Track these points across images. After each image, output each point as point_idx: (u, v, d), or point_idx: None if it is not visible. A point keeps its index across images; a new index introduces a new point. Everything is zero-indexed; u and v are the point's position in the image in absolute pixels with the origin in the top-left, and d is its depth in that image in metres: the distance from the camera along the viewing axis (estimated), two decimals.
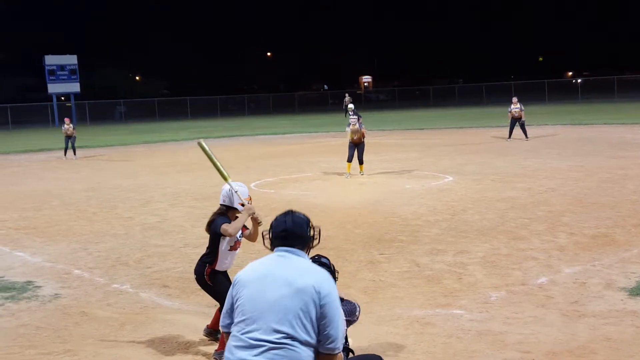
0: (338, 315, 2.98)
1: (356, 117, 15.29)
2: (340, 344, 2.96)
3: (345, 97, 47.81)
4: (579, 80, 65.43)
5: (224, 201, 5.26)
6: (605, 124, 29.05)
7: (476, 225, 9.57)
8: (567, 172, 14.74)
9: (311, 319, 2.92)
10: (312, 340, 2.93)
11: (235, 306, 3.08)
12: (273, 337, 2.89)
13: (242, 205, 5.11)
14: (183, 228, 10.32)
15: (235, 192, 5.08)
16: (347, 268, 7.54)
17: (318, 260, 3.48)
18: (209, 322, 5.57)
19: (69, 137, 23.90)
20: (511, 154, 19.21)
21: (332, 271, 3.67)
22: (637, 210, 9.99)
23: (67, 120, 24.61)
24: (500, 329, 5.50)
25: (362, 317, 5.96)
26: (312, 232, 3.27)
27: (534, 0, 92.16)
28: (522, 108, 23.22)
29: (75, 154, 24.08)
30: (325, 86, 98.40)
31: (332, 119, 44.25)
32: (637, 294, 6.11)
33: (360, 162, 15.30)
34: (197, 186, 14.95)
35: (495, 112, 41.18)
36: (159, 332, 5.76)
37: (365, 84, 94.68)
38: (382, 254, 8.19)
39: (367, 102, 74.68)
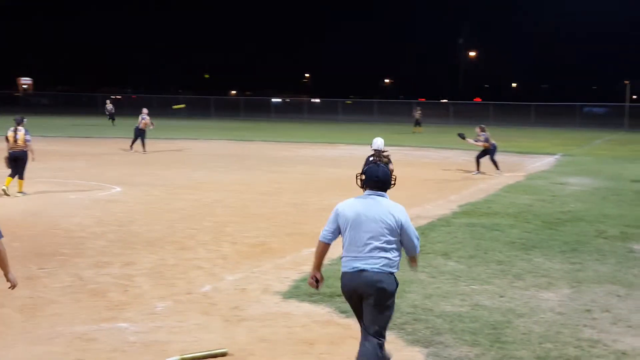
0: (413, 233, 4.47)
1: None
2: (417, 249, 4.54)
3: (106, 103, 44.71)
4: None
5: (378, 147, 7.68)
6: (263, 140, 31.70)
7: (144, 237, 9.55)
8: (231, 184, 15.66)
9: (397, 238, 4.41)
10: (399, 250, 4.47)
11: (344, 236, 4.47)
12: (374, 252, 4.36)
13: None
14: None
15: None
16: (0, 286, 6.81)
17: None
18: None
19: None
20: (179, 166, 19.61)
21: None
22: (290, 221, 11.13)
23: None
24: (166, 338, 5.59)
25: (17, 338, 5.47)
26: (393, 180, 4.61)
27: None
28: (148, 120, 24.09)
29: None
30: None
31: None
32: (289, 297, 6.80)
33: (21, 177, 13.14)
34: None
35: (168, 124, 41.58)
36: None
37: (25, 86, 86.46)
38: (42, 269, 7.63)
39: (27, 107, 68.26)
